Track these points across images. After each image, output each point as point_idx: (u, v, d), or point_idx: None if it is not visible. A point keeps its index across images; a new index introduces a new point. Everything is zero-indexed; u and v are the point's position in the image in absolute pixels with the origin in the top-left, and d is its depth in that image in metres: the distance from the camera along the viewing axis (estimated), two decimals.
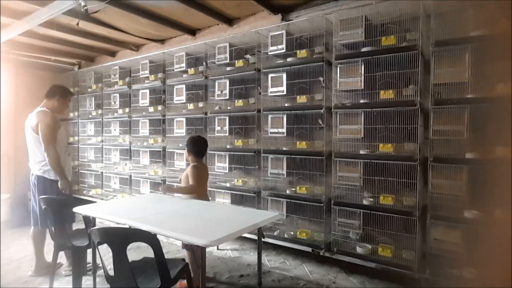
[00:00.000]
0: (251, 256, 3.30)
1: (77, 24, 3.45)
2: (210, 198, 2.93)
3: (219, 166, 3.74)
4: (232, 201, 3.64)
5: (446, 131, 2.42)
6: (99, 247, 1.88)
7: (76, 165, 5.40)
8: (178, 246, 3.55)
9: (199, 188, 2.62)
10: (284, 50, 3.20)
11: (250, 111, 3.46)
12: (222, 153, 3.70)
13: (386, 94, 2.64)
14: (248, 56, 3.57)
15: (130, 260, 1.62)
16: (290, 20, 3.28)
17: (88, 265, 2.79)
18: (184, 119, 3.98)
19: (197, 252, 2.48)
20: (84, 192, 5.19)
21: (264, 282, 2.73)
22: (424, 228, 2.51)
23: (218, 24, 3.97)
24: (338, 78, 2.87)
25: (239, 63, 3.50)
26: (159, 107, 4.26)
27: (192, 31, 4.20)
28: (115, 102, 4.82)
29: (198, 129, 4.00)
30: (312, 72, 3.12)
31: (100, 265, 2.30)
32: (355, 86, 2.81)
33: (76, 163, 5.41)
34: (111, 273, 1.69)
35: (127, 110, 4.64)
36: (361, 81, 2.77)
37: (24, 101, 5.29)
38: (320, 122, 3.08)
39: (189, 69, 3.92)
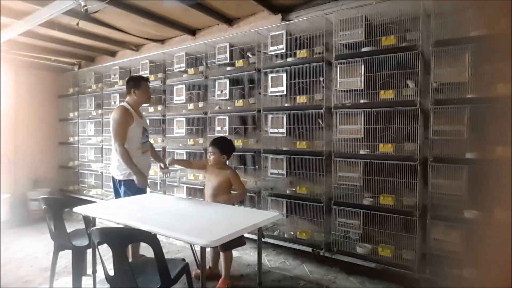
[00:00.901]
0: (251, 256, 3.30)
1: (77, 24, 3.45)
2: None
3: None
4: None
5: (446, 131, 2.42)
6: (99, 247, 1.88)
7: (76, 165, 5.41)
8: (178, 246, 3.55)
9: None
10: (284, 50, 3.20)
11: (250, 111, 3.46)
12: None
13: (386, 94, 2.64)
14: (249, 54, 3.55)
15: (130, 260, 1.62)
16: (290, 20, 3.28)
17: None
18: (184, 119, 3.98)
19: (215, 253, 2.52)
20: (84, 192, 5.19)
21: (264, 282, 2.73)
22: (424, 228, 2.51)
23: (218, 24, 3.97)
24: (338, 78, 2.87)
25: (239, 63, 3.50)
26: (159, 107, 4.26)
27: (192, 31, 4.20)
28: (115, 102, 4.82)
29: (198, 129, 4.00)
30: (312, 72, 3.12)
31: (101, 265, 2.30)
32: (355, 86, 2.81)
33: (76, 163, 5.42)
34: (111, 273, 1.69)
35: None
36: (361, 81, 2.77)
37: (24, 101, 5.30)
38: (320, 122, 3.07)
39: (189, 69, 3.92)
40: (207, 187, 2.73)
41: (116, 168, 2.79)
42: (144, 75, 4.37)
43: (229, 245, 2.39)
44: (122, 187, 2.77)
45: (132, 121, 2.76)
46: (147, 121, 3.22)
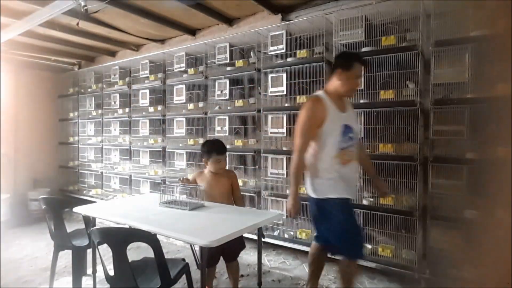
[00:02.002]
0: (251, 256, 3.30)
1: (77, 24, 3.45)
2: None
3: None
4: None
5: (446, 131, 2.42)
6: (99, 247, 1.88)
7: (76, 165, 5.41)
8: (178, 246, 3.55)
9: None
10: (284, 50, 3.20)
11: (250, 111, 3.46)
12: None
13: (386, 94, 2.64)
14: (252, 53, 3.54)
15: (130, 260, 1.62)
16: (290, 20, 3.28)
17: None
18: (184, 119, 3.98)
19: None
20: (84, 192, 5.19)
21: (264, 282, 2.73)
22: (424, 228, 2.51)
23: (218, 24, 3.97)
24: None
25: (239, 63, 3.50)
26: (159, 107, 4.26)
27: (192, 31, 4.20)
28: (115, 102, 4.82)
29: (198, 129, 4.00)
30: (312, 72, 3.12)
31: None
32: None
33: (76, 163, 5.42)
34: (111, 273, 1.69)
35: (127, 110, 4.64)
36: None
37: (24, 101, 5.30)
38: None
39: (189, 69, 3.92)
40: (210, 196, 2.40)
41: (308, 184, 2.07)
42: (145, 74, 4.37)
43: (237, 252, 2.27)
44: (328, 207, 1.99)
45: (325, 116, 1.92)
46: (355, 115, 2.23)
